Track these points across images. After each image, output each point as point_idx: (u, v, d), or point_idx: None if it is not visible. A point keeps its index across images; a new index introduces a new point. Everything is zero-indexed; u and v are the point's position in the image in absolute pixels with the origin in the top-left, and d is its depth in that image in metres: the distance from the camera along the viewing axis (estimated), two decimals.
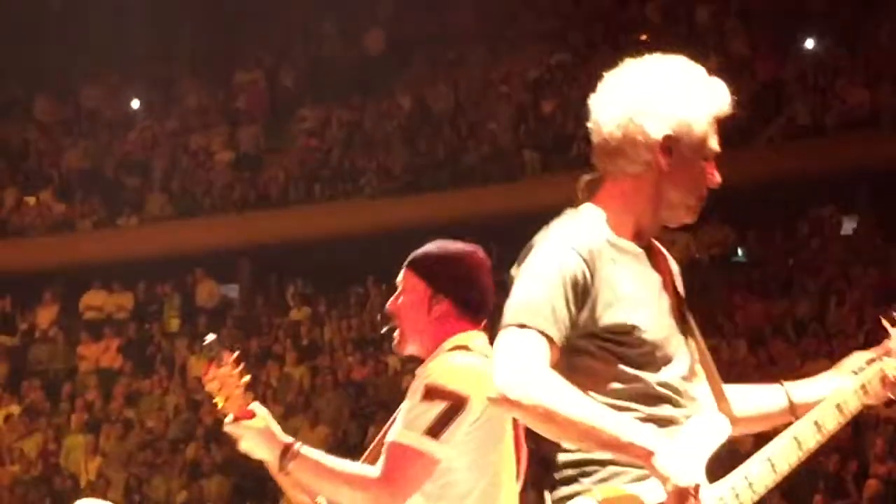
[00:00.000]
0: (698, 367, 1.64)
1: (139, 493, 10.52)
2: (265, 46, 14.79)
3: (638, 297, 1.53)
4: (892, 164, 10.66)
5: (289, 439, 1.99)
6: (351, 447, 10.26)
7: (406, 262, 2.12)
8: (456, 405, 1.90)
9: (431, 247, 2.13)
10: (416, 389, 1.94)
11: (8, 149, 14.60)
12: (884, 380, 1.75)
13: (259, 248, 13.19)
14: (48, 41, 13.88)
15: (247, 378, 2.03)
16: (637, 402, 1.51)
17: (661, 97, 1.53)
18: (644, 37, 12.57)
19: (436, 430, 1.88)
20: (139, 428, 11.42)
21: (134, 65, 14.73)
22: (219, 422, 2.24)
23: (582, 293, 1.48)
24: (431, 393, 1.91)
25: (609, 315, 1.49)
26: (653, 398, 1.52)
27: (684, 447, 1.48)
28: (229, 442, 2.15)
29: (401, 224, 11.82)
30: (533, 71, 13.25)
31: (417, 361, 2.08)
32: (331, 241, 12.22)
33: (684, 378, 1.58)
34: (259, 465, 2.13)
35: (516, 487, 2.05)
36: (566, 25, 13.64)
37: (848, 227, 11.47)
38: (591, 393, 1.47)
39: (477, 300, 2.08)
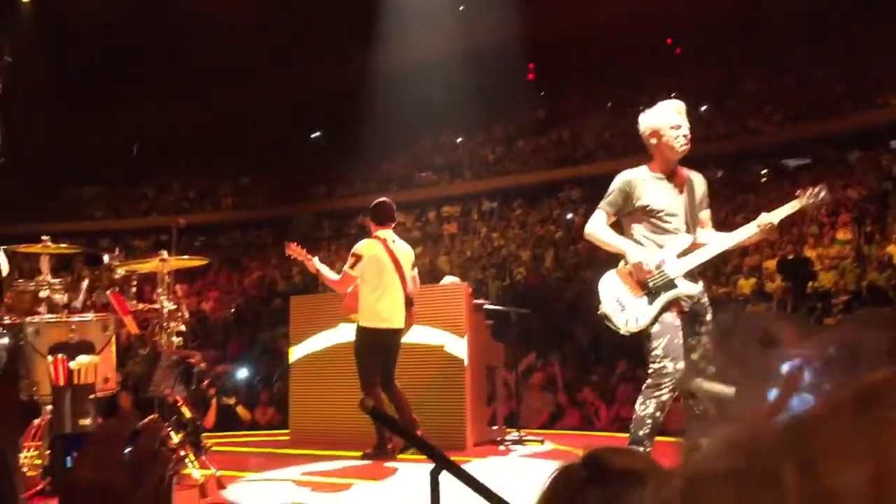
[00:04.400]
0: (691, 221, 4.26)
1: None
2: None
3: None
4: None
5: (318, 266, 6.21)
6: None
7: None
8: (359, 257, 5.98)
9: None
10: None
11: None
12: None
13: None
14: None
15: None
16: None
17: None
18: None
19: (352, 265, 5.99)
20: None
21: None
22: None
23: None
24: (351, 254, 6.07)
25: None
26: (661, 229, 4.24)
27: (661, 249, 4.18)
28: None
29: None
30: None
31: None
32: None
33: (677, 224, 4.25)
34: None
35: (400, 293, 6.05)
36: None
37: None
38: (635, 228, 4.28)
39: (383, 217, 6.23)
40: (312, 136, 29.06)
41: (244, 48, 22.65)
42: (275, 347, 14.20)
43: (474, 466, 5.28)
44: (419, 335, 6.65)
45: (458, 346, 6.48)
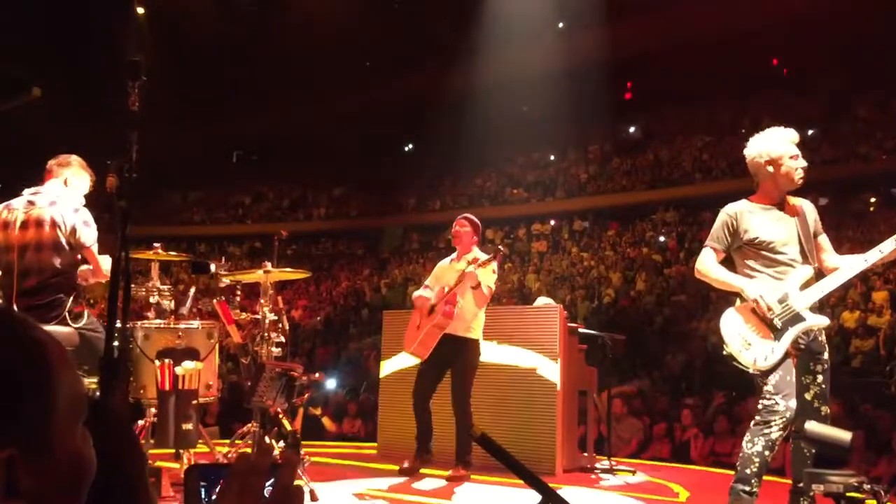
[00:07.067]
0: (808, 251, 4.05)
1: None
2: None
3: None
4: None
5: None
6: None
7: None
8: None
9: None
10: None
11: None
12: None
13: None
14: None
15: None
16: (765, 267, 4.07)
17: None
18: None
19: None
20: None
21: None
22: None
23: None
24: (493, 270, 5.83)
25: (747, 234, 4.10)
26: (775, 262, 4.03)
27: (779, 282, 3.97)
28: None
29: None
30: None
31: None
32: None
33: (793, 255, 4.04)
34: None
35: None
36: None
37: None
38: (747, 264, 4.09)
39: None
40: (405, 148, 29.40)
41: (345, 59, 23.11)
42: (361, 358, 14.36)
43: (567, 494, 5.17)
44: (510, 356, 6.59)
45: (550, 370, 6.38)
